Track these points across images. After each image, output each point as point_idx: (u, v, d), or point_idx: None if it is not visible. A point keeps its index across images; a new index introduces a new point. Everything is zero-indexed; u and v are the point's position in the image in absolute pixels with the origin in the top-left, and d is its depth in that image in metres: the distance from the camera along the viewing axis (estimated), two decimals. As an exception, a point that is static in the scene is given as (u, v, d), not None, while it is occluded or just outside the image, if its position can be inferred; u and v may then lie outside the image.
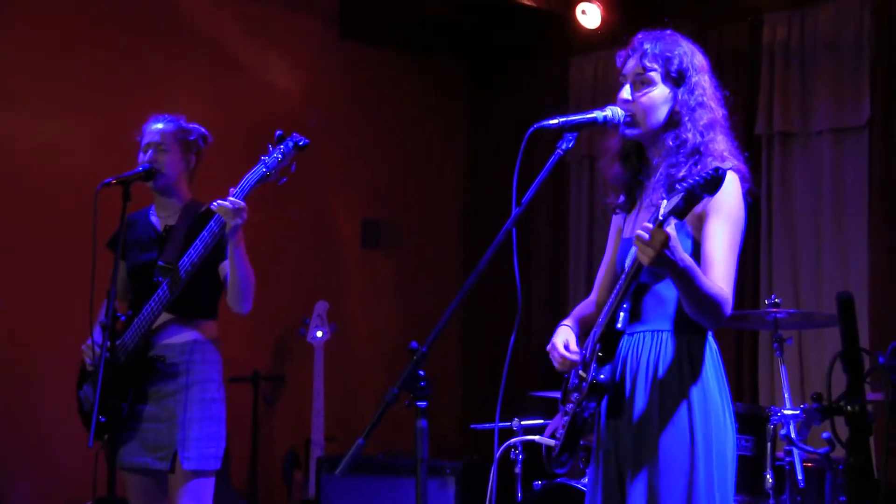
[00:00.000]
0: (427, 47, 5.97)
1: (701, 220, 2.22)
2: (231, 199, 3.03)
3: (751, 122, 4.88)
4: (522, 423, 3.82)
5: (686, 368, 2.24)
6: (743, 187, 2.27)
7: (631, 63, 2.33)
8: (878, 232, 4.53)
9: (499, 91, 6.07)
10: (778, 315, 3.60)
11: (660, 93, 2.30)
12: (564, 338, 2.38)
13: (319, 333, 5.03)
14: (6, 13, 4.53)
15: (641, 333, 2.29)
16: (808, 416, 3.12)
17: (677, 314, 2.26)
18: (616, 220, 2.50)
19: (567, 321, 2.47)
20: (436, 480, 4.34)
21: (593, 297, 2.55)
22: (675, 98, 2.30)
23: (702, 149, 2.26)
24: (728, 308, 2.16)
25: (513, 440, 3.76)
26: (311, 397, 4.93)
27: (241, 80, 5.21)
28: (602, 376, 2.23)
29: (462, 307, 2.05)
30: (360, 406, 5.46)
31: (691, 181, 1.95)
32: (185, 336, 3.25)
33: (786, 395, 3.59)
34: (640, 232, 2.00)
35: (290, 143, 3.09)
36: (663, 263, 2.02)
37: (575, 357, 2.33)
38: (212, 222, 3.10)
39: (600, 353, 2.25)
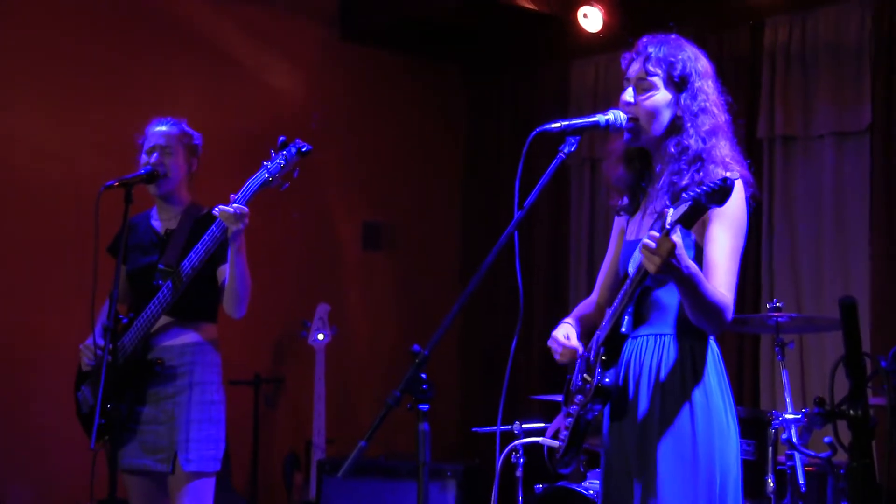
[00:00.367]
0: (428, 50, 5.98)
1: (704, 225, 2.22)
2: (233, 204, 3.03)
3: (752, 126, 4.88)
4: (523, 426, 3.82)
5: (689, 372, 2.25)
6: (746, 192, 2.28)
7: (635, 66, 2.33)
8: (879, 236, 4.52)
9: (499, 94, 6.08)
10: (779, 319, 3.60)
11: (662, 97, 2.30)
12: (565, 331, 2.40)
13: (320, 336, 5.03)
14: (7, 15, 4.53)
15: (644, 337, 2.30)
16: (810, 420, 3.12)
17: (679, 318, 2.27)
18: (619, 221, 2.51)
19: (568, 319, 2.48)
20: (436, 483, 4.34)
21: (594, 297, 2.56)
22: (677, 103, 2.30)
23: (704, 155, 2.26)
24: (730, 314, 2.17)
25: (516, 443, 3.76)
26: (312, 400, 4.93)
27: (241, 82, 5.22)
28: (607, 380, 2.25)
29: (462, 310, 2.05)
30: (360, 408, 5.46)
31: (698, 190, 1.95)
32: (184, 338, 3.25)
33: (787, 399, 3.59)
34: (646, 241, 2.01)
35: (293, 149, 3.09)
36: (669, 271, 2.03)
37: (575, 345, 2.34)
38: (213, 226, 3.10)
39: (604, 357, 2.26)
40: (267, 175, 3.08)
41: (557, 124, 2.23)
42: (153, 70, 4.88)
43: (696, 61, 2.33)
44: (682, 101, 2.29)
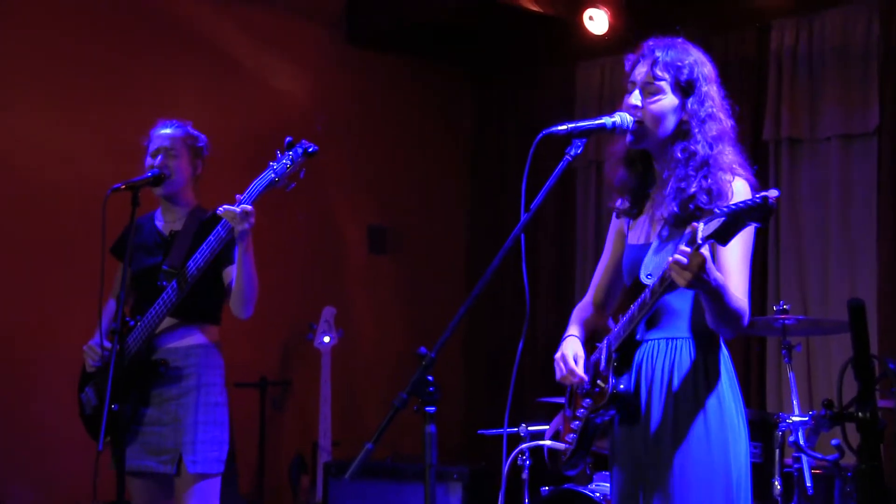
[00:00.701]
0: (433, 53, 5.98)
1: None
2: (239, 205, 3.04)
3: (758, 128, 4.87)
4: (529, 428, 3.81)
5: (701, 377, 2.25)
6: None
7: (641, 69, 2.32)
8: (886, 238, 4.51)
9: (505, 97, 6.08)
10: (786, 321, 3.60)
11: (669, 102, 2.29)
12: (574, 350, 2.38)
13: (327, 339, 5.03)
14: (8, 16, 4.54)
15: (656, 341, 2.30)
16: (818, 422, 3.12)
17: (693, 323, 2.27)
18: (616, 223, 2.50)
19: (573, 330, 2.47)
20: (442, 485, 4.34)
21: (589, 298, 2.55)
22: (683, 108, 2.29)
23: (711, 161, 2.26)
24: (747, 319, 2.18)
25: (524, 445, 3.76)
26: (319, 402, 4.93)
27: (246, 84, 5.22)
28: (622, 386, 2.26)
29: (467, 312, 2.05)
30: (366, 411, 5.46)
31: (734, 206, 1.94)
32: (188, 340, 3.26)
33: (794, 402, 3.58)
34: (677, 256, 2.00)
35: (300, 150, 3.09)
36: (699, 285, 2.04)
37: (581, 376, 2.32)
38: (219, 227, 3.11)
39: (616, 364, 2.26)
40: (273, 175, 3.08)
41: (564, 126, 2.23)
42: (157, 72, 4.89)
43: (703, 66, 2.33)
44: (689, 106, 2.29)
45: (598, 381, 2.31)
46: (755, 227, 2.16)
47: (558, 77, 5.80)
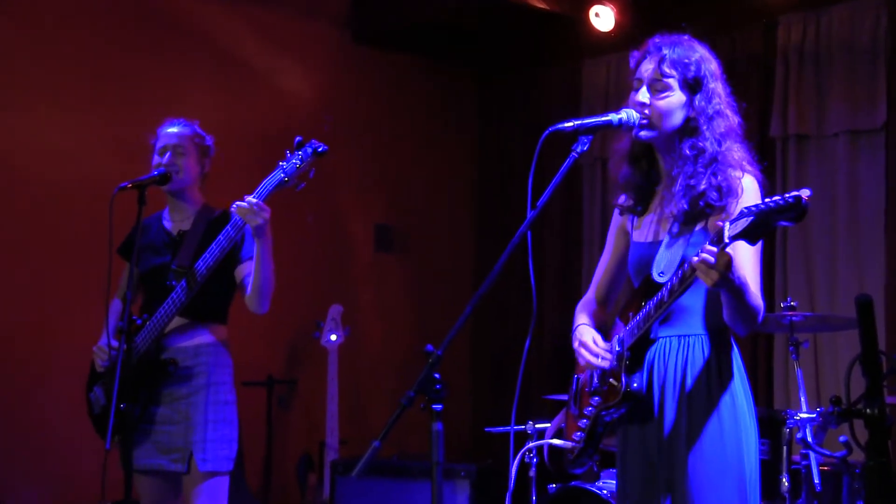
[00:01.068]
0: (440, 52, 5.98)
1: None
2: (249, 198, 3.04)
3: (765, 125, 4.86)
4: (536, 426, 3.81)
5: (714, 375, 2.26)
6: (762, 193, 2.27)
7: (647, 66, 2.31)
8: (894, 234, 4.50)
9: (511, 95, 6.07)
10: (793, 318, 3.59)
11: (677, 99, 2.29)
12: (592, 335, 2.39)
13: (333, 337, 5.04)
14: (22, 18, 4.55)
15: (668, 339, 2.30)
16: (825, 419, 3.11)
17: (707, 319, 2.28)
18: (619, 220, 2.50)
19: (583, 320, 2.48)
20: (449, 483, 4.34)
21: (591, 294, 2.56)
22: (691, 105, 2.29)
23: (719, 158, 2.26)
24: (762, 316, 2.19)
25: (532, 444, 3.76)
26: (325, 401, 4.94)
27: (253, 84, 5.23)
28: (635, 384, 2.26)
29: (473, 310, 2.05)
30: (373, 409, 5.46)
31: (763, 205, 1.94)
32: (197, 339, 3.27)
33: (802, 399, 3.57)
34: (704, 255, 2.00)
35: (309, 150, 3.10)
36: (724, 284, 2.04)
37: (607, 354, 2.33)
38: (228, 226, 3.12)
39: (628, 362, 2.26)
40: (283, 175, 3.08)
41: (570, 123, 2.23)
42: (163, 71, 4.89)
43: (709, 63, 2.33)
44: (697, 103, 2.29)
45: (610, 380, 2.31)
46: None
47: (564, 75, 5.79)
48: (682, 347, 2.28)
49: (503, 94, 6.13)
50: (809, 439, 3.28)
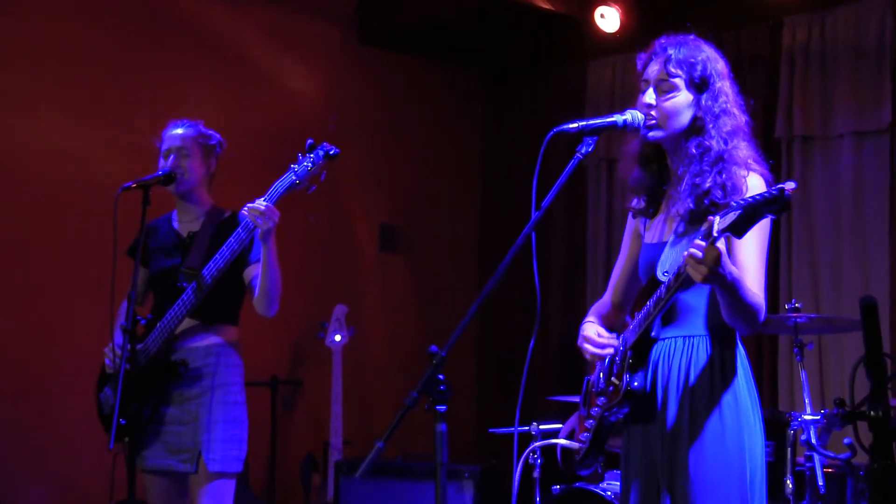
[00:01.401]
0: (445, 52, 5.98)
1: None
2: (261, 201, 3.04)
3: (770, 126, 4.85)
4: (541, 427, 3.81)
5: (717, 373, 2.25)
6: None
7: (654, 67, 2.31)
8: (899, 236, 4.49)
9: (516, 96, 6.07)
10: (798, 320, 3.58)
11: (684, 99, 2.29)
12: (595, 329, 2.40)
13: (338, 337, 5.04)
14: (25, 17, 4.56)
15: (673, 339, 2.30)
16: (829, 421, 3.10)
17: (709, 320, 2.27)
18: (632, 223, 2.50)
19: (591, 318, 2.48)
20: (453, 484, 4.34)
21: (607, 298, 2.56)
22: (698, 104, 2.29)
23: (725, 157, 2.26)
24: (763, 314, 2.18)
25: (535, 444, 3.76)
26: (330, 401, 4.94)
27: (259, 84, 5.23)
28: (636, 383, 2.26)
29: (478, 310, 2.05)
30: (377, 410, 5.47)
31: (750, 199, 1.93)
32: (207, 340, 3.27)
33: (806, 400, 3.57)
34: (692, 250, 2.00)
35: (321, 153, 3.10)
36: (715, 279, 2.03)
37: (612, 341, 2.33)
38: (239, 229, 3.12)
39: (631, 360, 2.26)
40: (294, 178, 3.09)
41: (575, 124, 2.23)
42: (168, 71, 4.90)
43: (716, 62, 2.32)
44: (704, 103, 2.29)
45: (613, 379, 2.31)
46: (770, 223, 2.17)
47: (569, 76, 5.79)
48: (686, 348, 2.27)
49: (508, 95, 6.13)
50: (814, 441, 3.28)
